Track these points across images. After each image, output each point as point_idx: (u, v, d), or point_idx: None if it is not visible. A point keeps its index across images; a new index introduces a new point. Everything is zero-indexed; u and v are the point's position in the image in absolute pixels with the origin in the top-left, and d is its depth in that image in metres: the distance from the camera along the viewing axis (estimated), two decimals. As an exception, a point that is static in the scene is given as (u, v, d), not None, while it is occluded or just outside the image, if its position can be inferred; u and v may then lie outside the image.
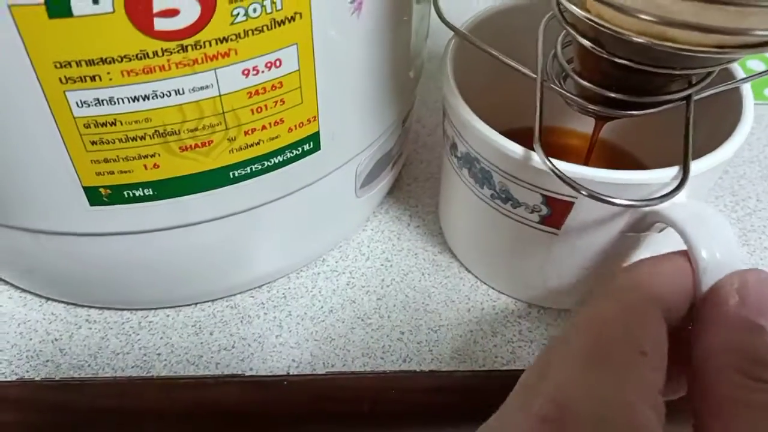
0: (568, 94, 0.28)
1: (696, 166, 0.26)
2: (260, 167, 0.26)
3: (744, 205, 0.37)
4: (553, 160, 0.25)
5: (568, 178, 0.25)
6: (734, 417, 0.20)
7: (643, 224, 0.27)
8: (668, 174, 0.26)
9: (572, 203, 0.27)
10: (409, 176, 0.38)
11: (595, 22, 0.23)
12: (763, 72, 0.29)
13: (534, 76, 0.27)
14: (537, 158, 0.25)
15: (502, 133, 0.27)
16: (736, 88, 0.29)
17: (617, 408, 0.19)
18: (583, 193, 0.25)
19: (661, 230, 0.28)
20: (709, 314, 0.22)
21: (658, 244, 0.28)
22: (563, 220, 0.28)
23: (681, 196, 0.25)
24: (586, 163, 0.31)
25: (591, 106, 0.27)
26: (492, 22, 0.33)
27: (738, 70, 0.30)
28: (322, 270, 0.33)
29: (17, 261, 0.29)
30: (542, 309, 0.32)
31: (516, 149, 0.26)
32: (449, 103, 0.29)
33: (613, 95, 0.26)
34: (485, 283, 0.33)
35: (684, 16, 0.20)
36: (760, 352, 0.21)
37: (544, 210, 0.28)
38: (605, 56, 0.25)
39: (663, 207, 0.25)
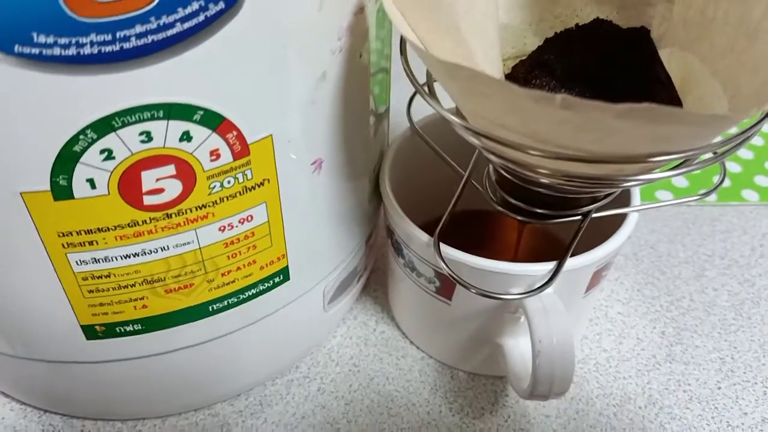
0: (491, 199, 0.32)
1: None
2: (236, 300, 0.30)
3: (678, 305, 0.41)
4: (443, 245, 0.30)
5: (444, 261, 0.30)
6: None
7: (513, 307, 0.32)
8: (534, 269, 0.30)
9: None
10: (377, 282, 0.42)
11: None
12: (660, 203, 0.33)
13: (463, 173, 0.33)
14: (427, 239, 0.30)
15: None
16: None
17: None
18: (453, 276, 0.29)
19: None
20: None
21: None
22: (452, 293, 0.32)
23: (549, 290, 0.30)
24: (515, 253, 0.35)
25: (505, 211, 0.31)
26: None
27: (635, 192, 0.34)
28: (295, 377, 0.37)
29: (19, 381, 0.33)
30: (496, 408, 0.35)
31: (413, 229, 0.31)
32: (381, 183, 0.34)
33: (522, 206, 0.30)
34: (422, 351, 0.38)
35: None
36: None
37: (437, 282, 0.32)
38: (501, 172, 0.29)
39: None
